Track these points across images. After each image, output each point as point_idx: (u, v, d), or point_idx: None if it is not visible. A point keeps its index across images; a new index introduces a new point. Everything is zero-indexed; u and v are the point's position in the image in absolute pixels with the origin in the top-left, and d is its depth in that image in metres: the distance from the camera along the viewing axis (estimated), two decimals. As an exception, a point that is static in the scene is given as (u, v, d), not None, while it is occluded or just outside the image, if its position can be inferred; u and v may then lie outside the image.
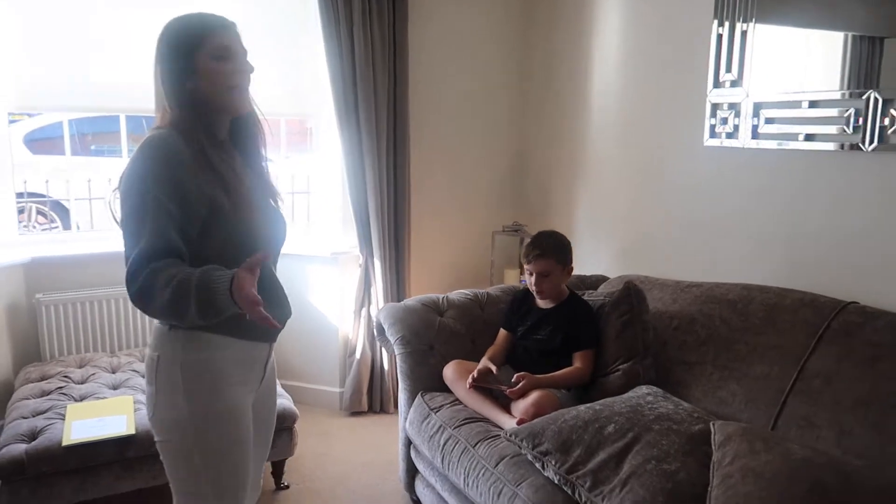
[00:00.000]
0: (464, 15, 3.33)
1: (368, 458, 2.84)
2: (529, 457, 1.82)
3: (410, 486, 2.45)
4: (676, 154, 2.66)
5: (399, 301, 3.18)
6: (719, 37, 2.42)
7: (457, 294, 2.63)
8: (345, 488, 2.62)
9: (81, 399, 2.49)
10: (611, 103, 2.98)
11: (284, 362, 3.28)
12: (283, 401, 2.53)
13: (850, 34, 2.09)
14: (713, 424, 1.74)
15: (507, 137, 3.54)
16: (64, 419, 2.30)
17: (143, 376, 1.44)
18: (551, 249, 2.29)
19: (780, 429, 1.89)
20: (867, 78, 2.03)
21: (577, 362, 2.26)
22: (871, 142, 1.98)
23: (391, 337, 2.43)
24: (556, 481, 1.73)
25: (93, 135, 4.45)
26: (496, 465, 1.90)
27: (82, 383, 2.64)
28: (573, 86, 3.18)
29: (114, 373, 2.76)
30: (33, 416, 2.34)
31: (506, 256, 3.45)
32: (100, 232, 3.20)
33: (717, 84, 2.45)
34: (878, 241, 2.01)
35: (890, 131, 1.93)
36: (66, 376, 2.67)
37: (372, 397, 3.27)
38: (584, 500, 1.66)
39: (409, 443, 2.41)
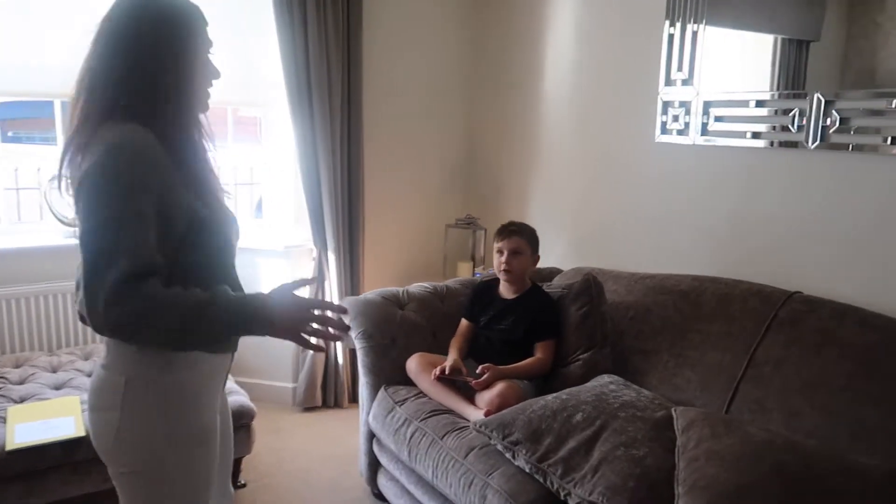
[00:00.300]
0: (417, 5, 3.31)
1: (326, 453, 2.81)
2: (500, 447, 1.85)
3: (372, 480, 2.44)
4: (629, 149, 2.74)
5: (354, 294, 3.17)
6: (671, 36, 2.51)
7: (416, 287, 2.63)
8: (304, 484, 2.58)
9: (22, 400, 2.37)
10: (564, 98, 3.03)
11: (236, 358, 3.19)
12: (240, 397, 2.47)
13: (779, 37, 2.21)
14: (674, 410, 1.82)
15: (458, 130, 3.56)
16: (5, 422, 2.18)
17: (89, 393, 1.28)
18: (525, 231, 2.40)
19: (733, 412, 1.98)
20: (795, 80, 2.16)
21: (539, 353, 2.31)
22: (815, 140, 2.09)
23: (353, 331, 2.40)
24: (527, 470, 1.77)
25: (19, 120, 4.19)
26: (465, 456, 1.92)
27: (21, 384, 2.50)
28: (526, 79, 3.22)
29: (54, 372, 2.63)
30: (-30, 420, 2.20)
31: (458, 249, 3.47)
32: (28, 224, 3.03)
33: (668, 82, 2.54)
34: (820, 234, 2.14)
35: (831, 131, 2.05)
36: (2, 377, 2.52)
37: (326, 392, 3.24)
38: (556, 487, 1.70)
39: (371, 437, 2.40)
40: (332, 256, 3.10)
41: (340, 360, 3.20)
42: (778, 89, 2.20)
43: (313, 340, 1.26)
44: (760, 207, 2.30)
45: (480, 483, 1.82)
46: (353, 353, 3.26)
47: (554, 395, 1.95)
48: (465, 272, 3.38)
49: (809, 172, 2.15)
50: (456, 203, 3.58)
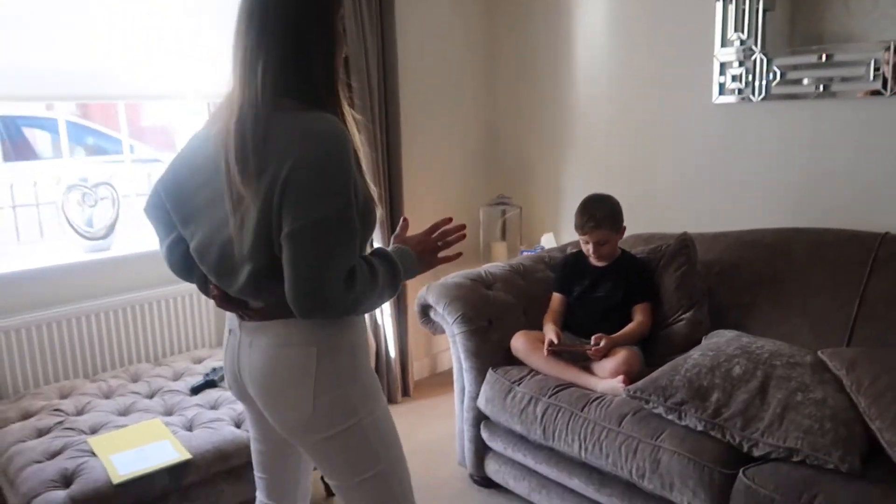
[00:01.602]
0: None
1: (406, 450, 2.68)
2: (660, 410, 1.83)
3: (480, 468, 2.36)
4: (682, 114, 2.77)
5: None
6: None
7: (495, 266, 2.57)
8: (400, 483, 2.47)
9: (93, 432, 2.13)
10: (598, 68, 3.04)
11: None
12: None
13: None
14: (822, 353, 1.86)
15: (485, 109, 3.49)
16: (94, 455, 1.96)
17: (264, 376, 1.30)
18: (605, 219, 2.30)
19: (851, 352, 2.05)
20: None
21: (639, 315, 2.31)
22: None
23: (449, 316, 2.32)
24: (699, 428, 1.76)
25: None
26: (619, 424, 1.88)
27: (81, 414, 2.25)
28: (554, 50, 3.20)
29: (109, 398, 2.39)
30: (49, 459, 1.96)
31: (492, 231, 3.42)
32: (27, 245, 2.72)
33: (725, 43, 2.58)
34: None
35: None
36: (57, 409, 2.26)
37: (380, 388, 3.11)
38: (738, 440, 1.70)
39: (477, 422, 2.32)
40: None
41: (392, 353, 3.09)
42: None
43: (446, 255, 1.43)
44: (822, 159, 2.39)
45: (648, 447, 1.79)
46: (402, 345, 3.15)
47: (696, 353, 1.95)
48: (499, 253, 3.34)
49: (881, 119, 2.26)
50: (488, 184, 3.52)
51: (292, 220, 1.13)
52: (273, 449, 1.50)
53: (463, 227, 1.44)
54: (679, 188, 2.84)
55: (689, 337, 2.25)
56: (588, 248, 2.33)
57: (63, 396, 2.39)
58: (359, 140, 1.29)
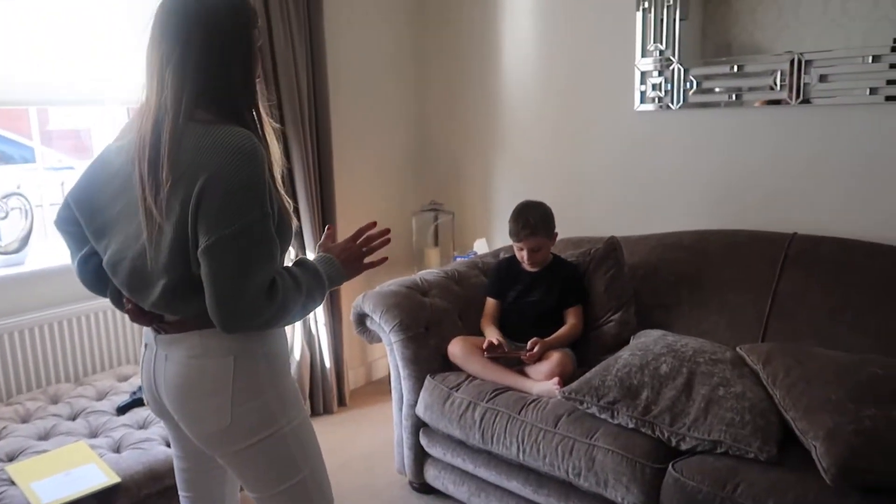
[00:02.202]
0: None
1: (343, 459, 2.68)
2: (594, 410, 1.89)
3: (419, 474, 2.38)
4: (606, 120, 2.87)
5: (335, 296, 3.04)
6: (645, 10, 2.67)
7: (429, 273, 2.59)
8: (339, 491, 2.43)
9: (12, 459, 2.02)
10: (525, 75, 3.11)
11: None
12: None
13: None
14: (740, 349, 1.98)
15: (412, 115, 3.51)
16: (13, 484, 1.86)
17: (181, 388, 1.29)
18: (539, 226, 2.35)
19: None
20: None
21: (571, 318, 2.38)
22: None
23: (386, 325, 2.32)
24: (630, 426, 1.83)
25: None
26: (555, 425, 1.94)
27: (-3, 441, 2.13)
28: (481, 59, 3.25)
29: (26, 422, 2.26)
30: (-36, 491, 1.84)
31: (424, 237, 3.44)
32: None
33: (644, 53, 2.70)
34: (819, 178, 2.40)
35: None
36: (-33, 437, 2.13)
37: (314, 399, 3.08)
38: (667, 435, 1.78)
39: (416, 429, 2.33)
40: (311, 256, 2.94)
41: (328, 364, 3.06)
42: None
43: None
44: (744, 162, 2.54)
45: (584, 446, 1.85)
46: (337, 354, 3.13)
47: (626, 353, 2.03)
48: (434, 259, 3.36)
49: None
50: (419, 190, 3.54)
51: (208, 235, 1.13)
52: (195, 466, 1.48)
53: (387, 231, 1.46)
54: (604, 192, 2.95)
55: (619, 337, 2.34)
56: (522, 255, 2.38)
57: (-23, 423, 2.25)
58: (279, 153, 1.31)
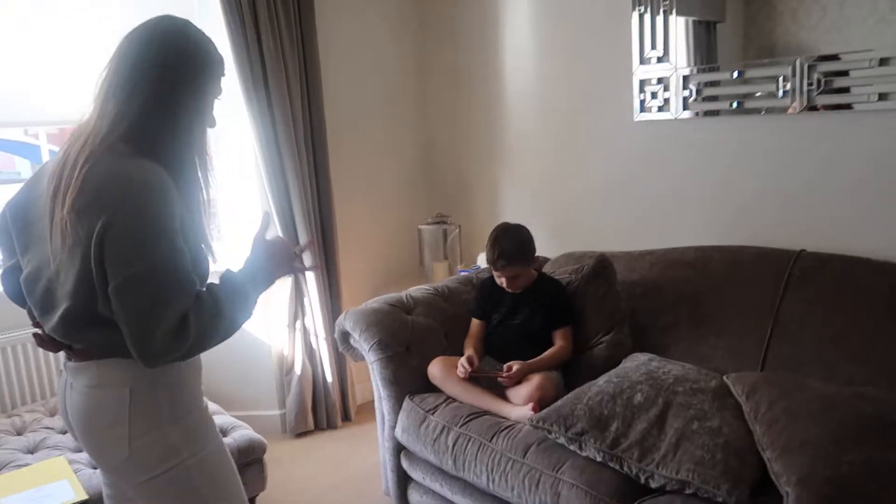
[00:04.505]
0: (366, 5, 3.20)
1: (336, 479, 2.65)
2: (562, 440, 1.79)
3: (403, 498, 2.32)
4: (605, 131, 2.75)
5: (335, 308, 3.02)
6: (640, 16, 2.54)
7: (417, 290, 2.53)
8: (324, 514, 2.42)
9: (-5, 472, 2.07)
10: (527, 87, 3.01)
11: (214, 390, 2.96)
12: (246, 431, 2.29)
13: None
14: (727, 378, 1.83)
15: (417, 129, 3.47)
16: (-13, 500, 1.90)
17: (84, 418, 1.27)
18: (515, 255, 2.24)
19: (767, 372, 2.03)
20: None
21: (559, 340, 2.27)
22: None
23: (365, 343, 2.27)
24: (598, 459, 1.72)
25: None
26: (524, 455, 1.85)
27: (-13, 453, 2.19)
28: (482, 71, 3.18)
29: (20, 434, 2.33)
30: (-59, 505, 1.90)
31: (432, 251, 3.38)
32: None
33: (643, 61, 2.57)
34: (825, 195, 2.22)
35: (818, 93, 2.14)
36: (-38, 449, 2.20)
37: (317, 414, 3.06)
38: (635, 471, 1.66)
39: (397, 452, 2.28)
40: (308, 272, 2.93)
41: (329, 377, 3.04)
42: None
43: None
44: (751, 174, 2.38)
45: (550, 480, 1.75)
46: (340, 369, 3.10)
47: (602, 379, 1.92)
48: (441, 272, 3.30)
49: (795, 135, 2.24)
50: (425, 204, 3.49)
51: (115, 274, 1.12)
52: (118, 493, 1.46)
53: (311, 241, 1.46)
54: (607, 206, 2.82)
55: (610, 360, 2.21)
56: (502, 282, 2.29)
57: (-27, 434, 2.33)
58: (210, 183, 1.31)
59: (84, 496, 1.89)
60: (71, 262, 1.16)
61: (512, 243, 2.23)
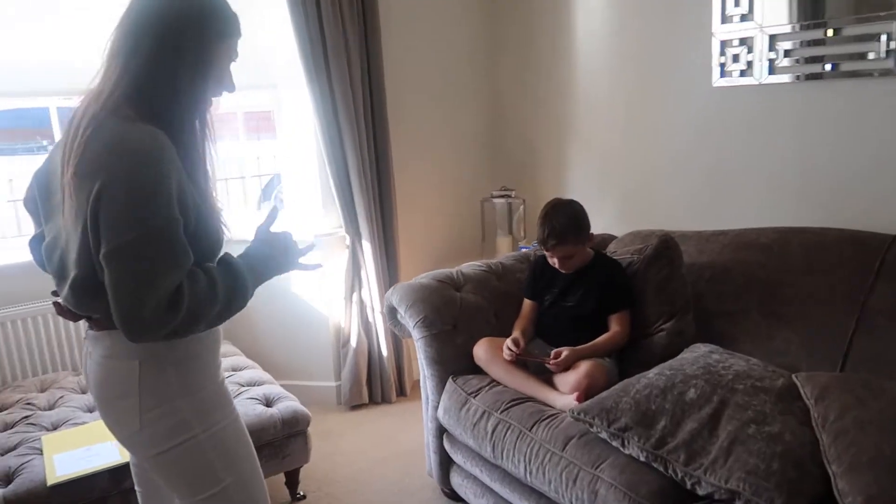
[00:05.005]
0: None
1: (384, 454, 2.62)
2: (604, 435, 1.66)
3: (445, 480, 2.25)
4: (681, 98, 2.53)
5: (393, 282, 2.96)
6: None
7: (469, 266, 2.43)
8: (369, 489, 2.40)
9: (55, 428, 2.16)
10: (598, 52, 2.81)
11: (271, 359, 3.00)
12: (291, 403, 2.28)
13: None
14: (796, 377, 1.63)
15: (485, 98, 3.33)
16: (42, 454, 1.98)
17: (97, 387, 1.27)
18: (566, 233, 2.06)
19: (848, 371, 1.80)
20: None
21: (615, 325, 2.11)
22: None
23: (410, 319, 2.20)
24: (641, 458, 1.58)
25: (8, 131, 3.93)
26: (563, 447, 1.73)
27: (51, 409, 2.30)
28: (554, 36, 2.99)
29: (84, 393, 2.42)
30: (2, 455, 2.00)
31: (496, 224, 3.26)
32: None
33: (724, 19, 2.32)
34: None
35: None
36: (29, 403, 2.31)
37: (372, 388, 3.05)
38: (680, 475, 1.51)
39: (440, 433, 2.21)
40: (366, 243, 2.89)
41: (385, 352, 3.00)
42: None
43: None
44: (840, 147, 2.10)
45: (588, 477, 1.63)
46: (396, 343, 3.06)
47: (654, 371, 1.76)
48: (504, 247, 3.18)
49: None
50: (490, 176, 3.36)
51: (107, 240, 1.08)
52: (141, 462, 1.46)
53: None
54: (680, 181, 2.60)
55: (669, 348, 2.04)
56: (554, 262, 2.14)
57: (42, 390, 2.45)
58: (211, 152, 1.27)
59: (126, 458, 1.94)
60: (75, 229, 1.14)
61: (563, 221, 2.07)
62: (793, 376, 1.64)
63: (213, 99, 1.27)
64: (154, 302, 1.07)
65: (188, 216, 1.16)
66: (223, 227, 1.28)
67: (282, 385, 2.87)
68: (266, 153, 3.31)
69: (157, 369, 1.22)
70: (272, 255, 1.27)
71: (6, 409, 2.29)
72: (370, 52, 2.81)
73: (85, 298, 1.20)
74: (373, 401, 3.05)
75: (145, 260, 1.08)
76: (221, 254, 1.23)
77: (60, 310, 1.30)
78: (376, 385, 3.04)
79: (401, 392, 3.13)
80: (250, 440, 1.37)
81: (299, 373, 3.05)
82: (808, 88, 2.16)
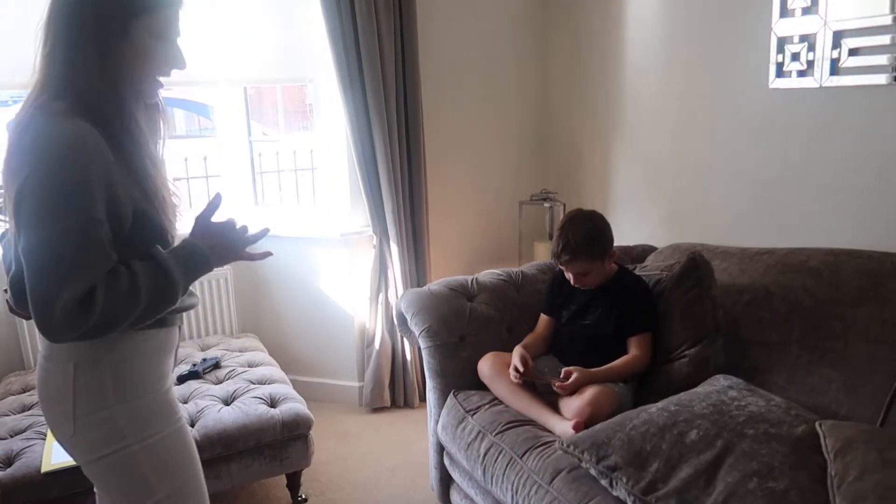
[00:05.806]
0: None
1: (396, 461, 2.53)
2: (593, 472, 1.49)
3: (445, 496, 2.14)
4: (733, 101, 2.29)
5: (420, 284, 2.87)
6: (785, -43, 2.04)
7: (487, 275, 2.30)
8: (372, 498, 2.32)
9: (68, 413, 2.20)
10: (649, 53, 2.60)
11: (295, 356, 2.98)
12: (295, 405, 2.22)
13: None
14: (820, 426, 1.41)
15: (530, 97, 3.17)
16: (45, 439, 2.01)
17: (38, 388, 1.24)
18: (581, 249, 1.89)
19: (892, 422, 1.55)
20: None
21: (634, 349, 1.93)
22: None
23: (415, 328, 2.10)
24: (629, 502, 1.41)
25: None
26: (551, 481, 1.58)
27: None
28: (604, 36, 2.80)
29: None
30: (11, 437, 2.05)
31: (535, 229, 3.11)
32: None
33: (784, 13, 2.07)
34: None
35: None
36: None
37: (395, 391, 2.97)
38: (668, 527, 1.33)
39: (441, 448, 2.10)
40: (393, 244, 2.81)
41: (409, 356, 2.92)
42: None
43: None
44: (915, 159, 1.83)
45: (571, 516, 1.48)
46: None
47: (659, 405, 1.58)
48: (542, 253, 3.01)
49: None
50: (529, 177, 3.21)
51: (24, 237, 1.05)
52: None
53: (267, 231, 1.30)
54: (729, 192, 2.36)
55: (692, 377, 1.84)
56: (569, 277, 1.98)
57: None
58: (151, 146, 1.20)
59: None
60: (9, 226, 1.12)
61: (580, 235, 1.89)
62: (816, 424, 1.43)
63: (159, 79, 1.20)
64: (63, 303, 1.02)
65: (122, 214, 1.11)
66: (171, 224, 1.22)
67: (308, 381, 2.83)
68: (302, 147, 3.28)
69: (94, 373, 1.17)
70: (211, 247, 1.20)
71: (27, 390, 2.36)
72: (405, 48, 2.71)
73: (22, 296, 1.17)
74: (395, 404, 2.97)
75: (57, 259, 1.03)
76: (152, 248, 1.16)
77: (10, 307, 1.28)
78: (399, 389, 2.96)
79: (423, 398, 3.03)
80: (194, 450, 1.31)
81: (323, 370, 3.02)
82: (871, 93, 1.89)
